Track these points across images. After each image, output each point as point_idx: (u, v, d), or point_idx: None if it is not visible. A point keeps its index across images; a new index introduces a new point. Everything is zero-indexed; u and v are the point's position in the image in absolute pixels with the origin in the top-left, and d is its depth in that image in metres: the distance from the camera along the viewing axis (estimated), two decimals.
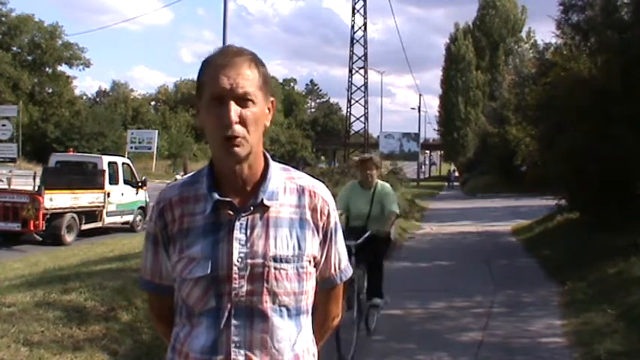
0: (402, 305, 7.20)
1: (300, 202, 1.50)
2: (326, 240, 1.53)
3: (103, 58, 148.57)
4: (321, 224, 1.51)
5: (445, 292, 7.98)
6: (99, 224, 14.72)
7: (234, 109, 1.38)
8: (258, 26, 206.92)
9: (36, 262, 9.48)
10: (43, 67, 48.91)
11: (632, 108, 9.49)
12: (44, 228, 12.74)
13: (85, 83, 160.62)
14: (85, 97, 60.56)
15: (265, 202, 1.44)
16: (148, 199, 16.51)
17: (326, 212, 1.52)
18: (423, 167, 61.57)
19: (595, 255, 8.73)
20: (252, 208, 1.44)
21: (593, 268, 8.25)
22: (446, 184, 48.81)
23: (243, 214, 1.44)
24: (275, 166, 1.51)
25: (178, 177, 18.49)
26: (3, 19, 46.47)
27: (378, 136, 53.06)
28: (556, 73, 11.92)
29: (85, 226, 14.15)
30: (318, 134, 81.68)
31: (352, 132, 43.88)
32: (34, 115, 45.23)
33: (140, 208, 16.29)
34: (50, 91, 49.47)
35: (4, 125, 25.73)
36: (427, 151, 69.49)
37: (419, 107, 55.88)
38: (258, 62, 1.45)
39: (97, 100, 65.15)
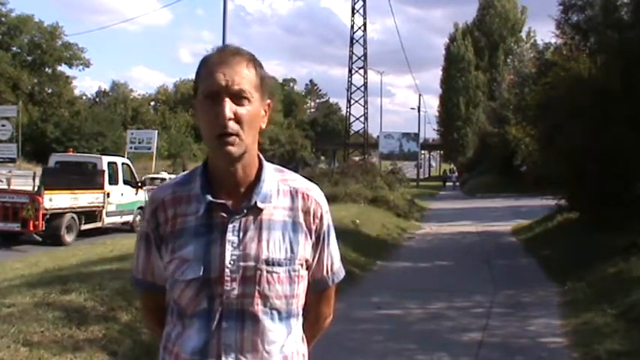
0: (402, 305, 7.20)
1: (293, 204, 1.49)
2: (318, 243, 1.53)
3: (102, 58, 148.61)
4: (314, 227, 1.50)
5: (445, 292, 7.98)
6: (98, 224, 14.70)
7: (229, 106, 1.38)
8: (256, 26, 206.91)
9: (36, 263, 9.46)
10: (42, 67, 48.92)
11: (632, 108, 9.49)
12: (44, 228, 12.72)
13: (85, 83, 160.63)
14: (84, 98, 60.57)
15: (259, 204, 1.44)
16: (147, 200, 16.51)
17: (319, 215, 1.51)
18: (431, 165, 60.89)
19: (595, 255, 8.73)
20: (245, 210, 1.43)
21: (593, 268, 8.24)
22: (442, 184, 48.10)
23: (237, 217, 1.43)
24: (269, 168, 1.50)
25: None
26: (3, 19, 46.47)
27: (378, 136, 53.07)
28: (556, 73, 11.93)
29: (84, 227, 14.13)
30: (318, 134, 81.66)
31: (352, 132, 43.85)
32: (34, 116, 45.21)
33: (140, 208, 16.25)
34: (50, 91, 49.47)
35: (3, 125, 25.69)
36: (424, 152, 69.34)
37: (418, 107, 55.88)
38: (255, 63, 1.45)
39: (97, 100, 65.09)
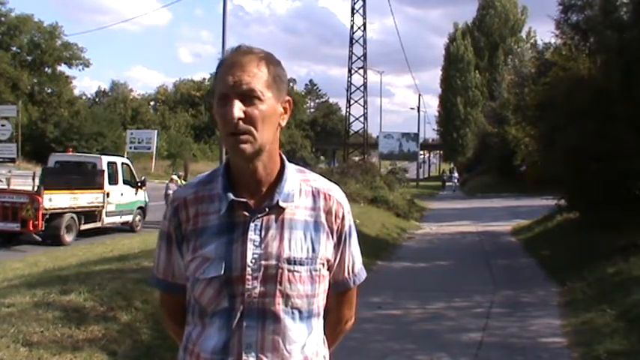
0: (402, 305, 7.20)
1: (315, 204, 1.49)
2: (340, 243, 1.53)
3: (102, 58, 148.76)
4: (335, 227, 1.51)
5: (445, 292, 7.98)
6: (98, 224, 14.68)
7: (238, 106, 1.38)
8: (255, 26, 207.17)
9: (35, 263, 9.46)
10: (42, 67, 48.86)
11: (632, 108, 9.49)
12: (43, 228, 12.71)
13: (84, 83, 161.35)
14: (84, 97, 60.55)
15: (281, 203, 1.44)
16: (147, 199, 16.49)
17: (340, 215, 1.52)
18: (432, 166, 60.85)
19: (595, 255, 8.72)
20: (267, 209, 1.44)
21: (593, 268, 8.24)
22: (440, 184, 47.33)
23: (258, 215, 1.43)
24: (291, 168, 1.50)
25: (174, 177, 18.42)
26: (3, 19, 46.40)
27: (378, 136, 53.05)
28: (555, 73, 11.94)
29: (84, 227, 14.11)
30: (318, 134, 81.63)
31: (352, 132, 43.83)
32: (34, 115, 45.13)
33: (139, 208, 16.26)
34: (50, 91, 49.42)
35: (3, 125, 25.64)
36: (423, 152, 69.27)
37: (418, 107, 55.79)
38: (269, 61, 1.45)
39: (97, 100, 65.10)
